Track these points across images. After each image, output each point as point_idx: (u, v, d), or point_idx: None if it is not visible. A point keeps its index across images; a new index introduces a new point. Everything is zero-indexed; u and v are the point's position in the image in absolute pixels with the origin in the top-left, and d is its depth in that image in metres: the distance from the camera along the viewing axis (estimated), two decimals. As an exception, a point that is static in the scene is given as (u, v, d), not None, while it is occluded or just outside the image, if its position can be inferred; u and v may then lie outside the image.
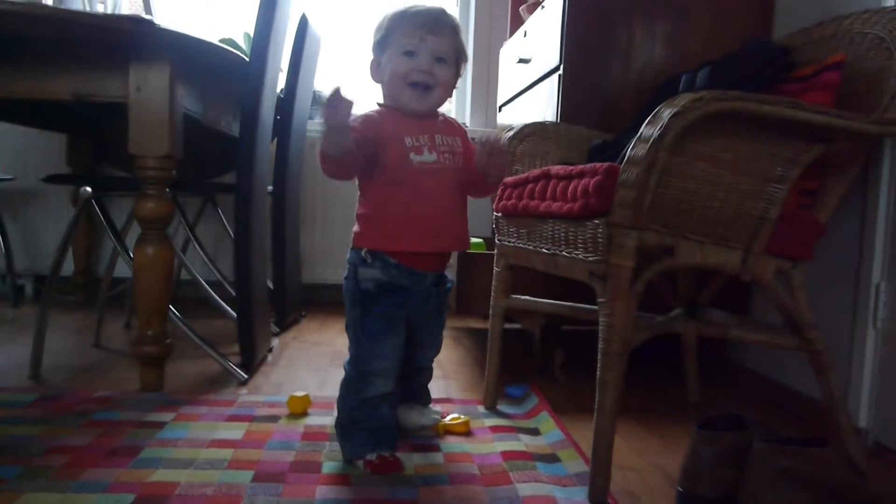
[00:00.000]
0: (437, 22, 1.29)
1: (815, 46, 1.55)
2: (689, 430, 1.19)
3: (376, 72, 1.35)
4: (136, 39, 1.58)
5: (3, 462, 1.22)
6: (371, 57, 1.36)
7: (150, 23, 1.53)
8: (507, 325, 1.72)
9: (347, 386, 1.33)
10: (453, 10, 3.50)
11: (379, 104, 1.37)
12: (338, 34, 3.44)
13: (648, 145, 1.09)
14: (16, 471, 1.18)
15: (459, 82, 3.61)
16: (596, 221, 1.17)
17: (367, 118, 1.30)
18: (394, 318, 1.32)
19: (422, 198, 1.28)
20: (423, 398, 1.51)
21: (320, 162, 1.23)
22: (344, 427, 1.32)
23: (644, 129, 1.12)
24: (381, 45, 1.32)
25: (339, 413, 1.34)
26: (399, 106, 1.32)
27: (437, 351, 1.47)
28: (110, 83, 1.65)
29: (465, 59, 1.37)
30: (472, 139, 1.39)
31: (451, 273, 2.20)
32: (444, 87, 1.32)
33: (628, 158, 1.13)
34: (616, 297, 1.14)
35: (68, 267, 3.04)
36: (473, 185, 1.38)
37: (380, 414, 1.31)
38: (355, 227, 1.34)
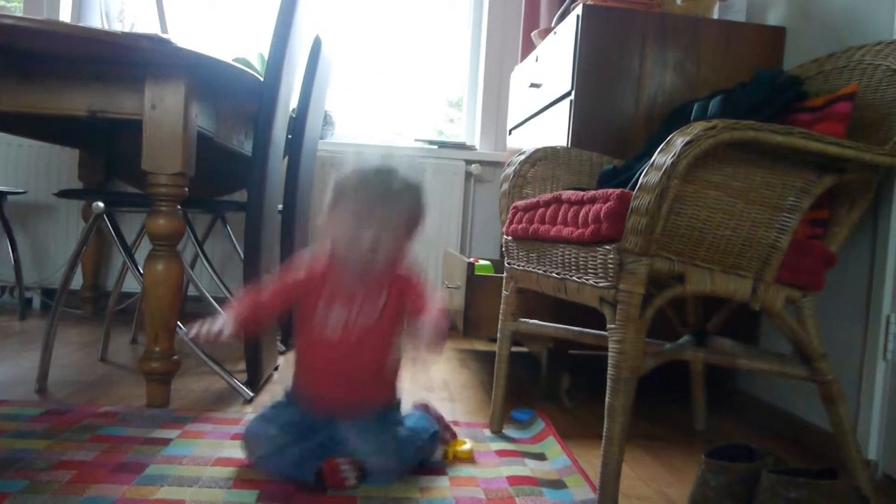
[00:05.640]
0: (386, 197, 1.27)
1: (827, 77, 1.56)
2: (696, 459, 1.18)
3: (325, 226, 1.32)
4: (152, 58, 1.60)
5: (8, 476, 1.22)
6: (325, 208, 1.32)
7: (167, 42, 1.54)
8: (514, 349, 1.71)
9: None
10: (465, 35, 3.54)
11: (324, 252, 1.36)
12: (348, 56, 3.48)
13: (661, 173, 1.10)
14: (21, 485, 1.18)
15: (471, 105, 3.63)
16: (607, 247, 1.17)
17: (308, 265, 1.35)
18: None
19: (326, 352, 1.34)
20: None
21: None
22: None
23: (657, 157, 1.13)
24: (332, 205, 1.30)
25: None
26: (341, 263, 1.32)
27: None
28: (126, 100, 1.66)
29: (422, 219, 1.34)
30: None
31: (458, 296, 2.20)
32: (387, 255, 1.30)
33: (640, 185, 1.13)
34: (626, 324, 1.14)
35: (76, 281, 3.06)
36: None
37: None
38: None
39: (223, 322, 1.29)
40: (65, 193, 2.12)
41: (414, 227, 1.34)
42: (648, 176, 1.13)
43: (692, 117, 1.71)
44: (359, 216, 1.26)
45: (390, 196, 1.27)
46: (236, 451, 1.40)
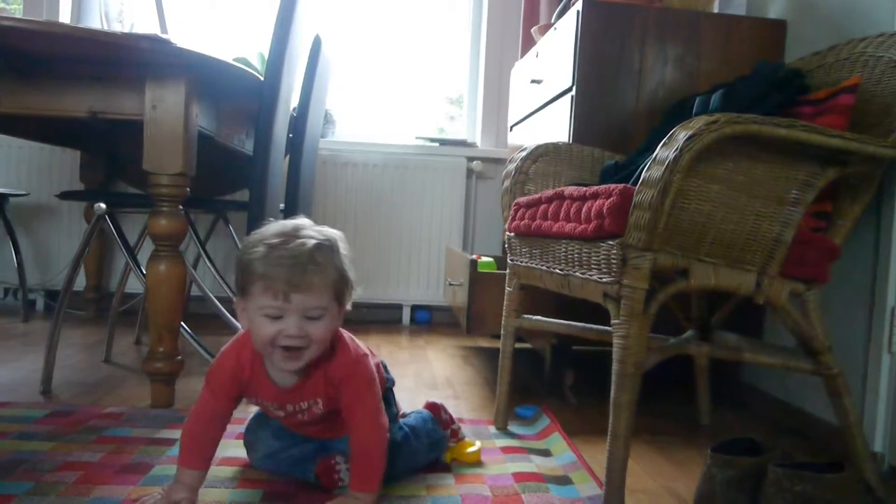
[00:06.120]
0: (304, 275, 1.05)
1: (829, 70, 1.56)
2: (701, 453, 1.18)
3: (242, 315, 1.13)
4: (152, 58, 1.59)
5: (14, 478, 1.22)
6: (236, 298, 1.14)
7: (167, 42, 1.54)
8: (517, 345, 1.71)
9: None
10: (464, 32, 3.53)
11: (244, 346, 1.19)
12: (348, 55, 3.47)
13: (664, 167, 1.10)
14: (26, 487, 1.18)
15: (471, 102, 3.61)
16: (610, 243, 1.17)
17: (232, 376, 1.18)
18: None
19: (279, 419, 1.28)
20: None
21: None
22: None
23: (659, 151, 1.12)
24: (242, 291, 1.10)
25: None
26: (268, 362, 1.16)
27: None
28: (126, 101, 1.66)
29: (351, 288, 1.14)
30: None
31: (461, 293, 2.20)
32: (320, 343, 1.11)
33: (643, 180, 1.13)
34: (630, 319, 1.13)
35: (79, 282, 3.06)
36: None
37: None
38: None
39: (186, 492, 1.13)
40: (67, 195, 2.12)
41: (343, 293, 1.13)
42: (651, 171, 1.12)
43: (693, 112, 1.70)
44: (275, 301, 1.06)
45: (306, 272, 1.06)
46: (240, 451, 1.40)
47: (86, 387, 1.90)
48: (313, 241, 1.08)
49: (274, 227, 1.11)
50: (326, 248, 1.10)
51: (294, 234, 1.09)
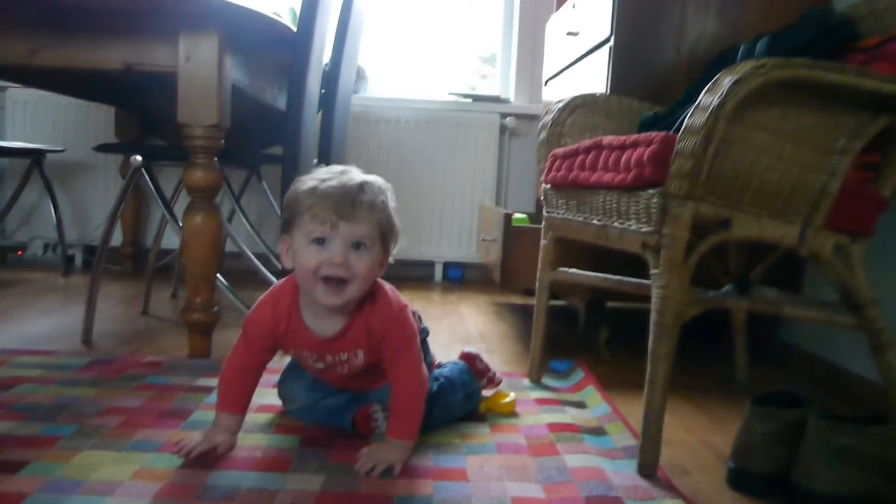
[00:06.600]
0: (353, 205, 1.06)
1: (881, 16, 1.49)
2: (738, 409, 1.17)
3: (286, 255, 1.13)
4: (186, 9, 1.58)
5: (60, 420, 1.25)
6: (280, 237, 1.15)
7: (199, -10, 1.53)
8: (552, 303, 1.70)
9: None
10: (499, -16, 3.46)
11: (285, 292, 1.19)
12: (379, 10, 3.43)
13: (708, 113, 1.06)
14: (71, 429, 1.21)
15: (505, 57, 3.54)
16: (650, 192, 1.15)
17: (268, 327, 1.19)
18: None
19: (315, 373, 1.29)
20: None
21: None
22: None
23: (703, 97, 1.09)
24: (288, 227, 1.11)
25: None
26: (311, 299, 1.14)
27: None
28: (160, 53, 1.66)
29: (396, 236, 1.14)
30: None
31: (495, 248, 2.19)
32: (363, 279, 1.10)
33: (686, 127, 1.10)
34: (670, 269, 1.12)
35: (116, 238, 3.10)
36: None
37: None
38: None
39: (226, 434, 1.17)
40: (104, 147, 2.14)
41: (389, 236, 1.13)
42: (694, 117, 1.09)
43: (739, 59, 1.65)
44: (322, 227, 1.06)
45: (356, 203, 1.06)
46: (276, 399, 1.41)
47: (125, 337, 1.94)
48: (362, 178, 1.11)
49: (323, 169, 1.13)
50: (376, 186, 1.12)
51: (343, 172, 1.11)
